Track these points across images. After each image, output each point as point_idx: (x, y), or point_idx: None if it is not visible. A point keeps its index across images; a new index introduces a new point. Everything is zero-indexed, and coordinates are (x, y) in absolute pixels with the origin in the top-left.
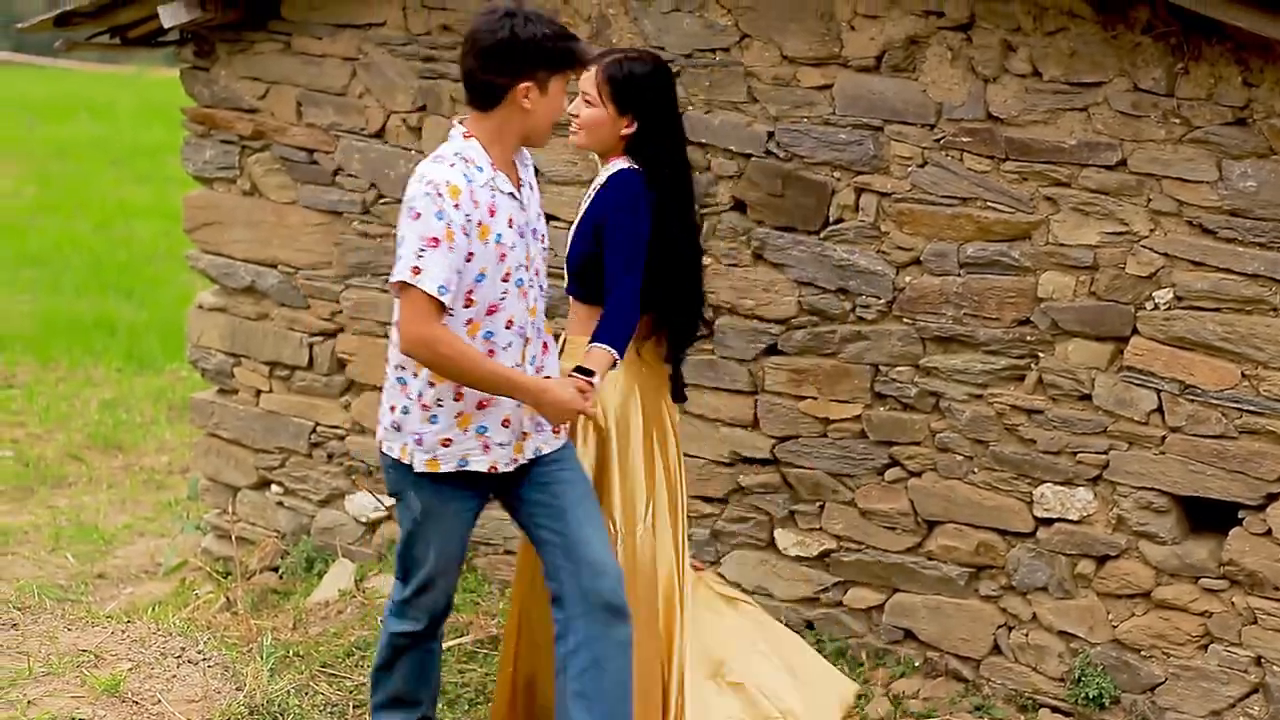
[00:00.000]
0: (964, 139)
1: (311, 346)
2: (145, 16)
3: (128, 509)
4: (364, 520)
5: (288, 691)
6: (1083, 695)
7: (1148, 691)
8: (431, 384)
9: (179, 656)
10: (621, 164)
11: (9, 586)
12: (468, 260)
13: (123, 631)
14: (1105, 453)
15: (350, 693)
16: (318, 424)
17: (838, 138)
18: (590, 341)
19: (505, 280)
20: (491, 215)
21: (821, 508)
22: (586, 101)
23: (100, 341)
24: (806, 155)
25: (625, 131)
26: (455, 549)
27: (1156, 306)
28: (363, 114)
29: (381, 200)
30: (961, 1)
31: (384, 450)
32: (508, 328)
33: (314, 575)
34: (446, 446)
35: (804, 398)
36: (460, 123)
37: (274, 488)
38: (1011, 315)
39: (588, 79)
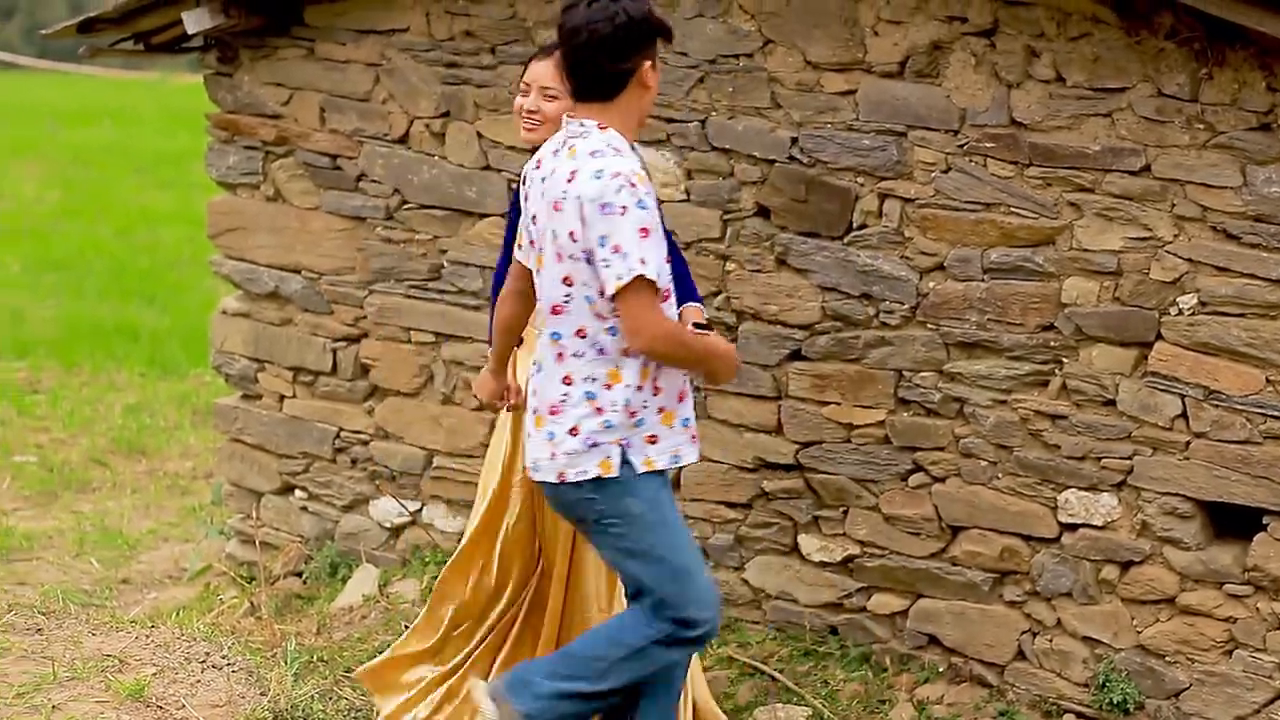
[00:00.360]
0: (988, 144)
1: (335, 352)
2: (169, 23)
3: (152, 514)
4: (388, 525)
5: (311, 697)
6: (1107, 701)
7: (1172, 697)
8: (636, 387)
9: (203, 661)
10: None
11: (34, 592)
12: None
13: (147, 636)
14: (1129, 458)
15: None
16: (341, 429)
17: (861, 143)
18: (683, 303)
19: None
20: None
21: (845, 513)
22: (548, 95)
23: (123, 347)
24: (830, 161)
25: None
26: (688, 533)
27: (1181, 312)
28: (386, 119)
29: (405, 206)
30: (985, 7)
31: (571, 479)
32: None
33: (338, 580)
34: (654, 444)
35: (828, 403)
36: (573, 118)
37: (298, 493)
38: (1035, 321)
39: (543, 72)
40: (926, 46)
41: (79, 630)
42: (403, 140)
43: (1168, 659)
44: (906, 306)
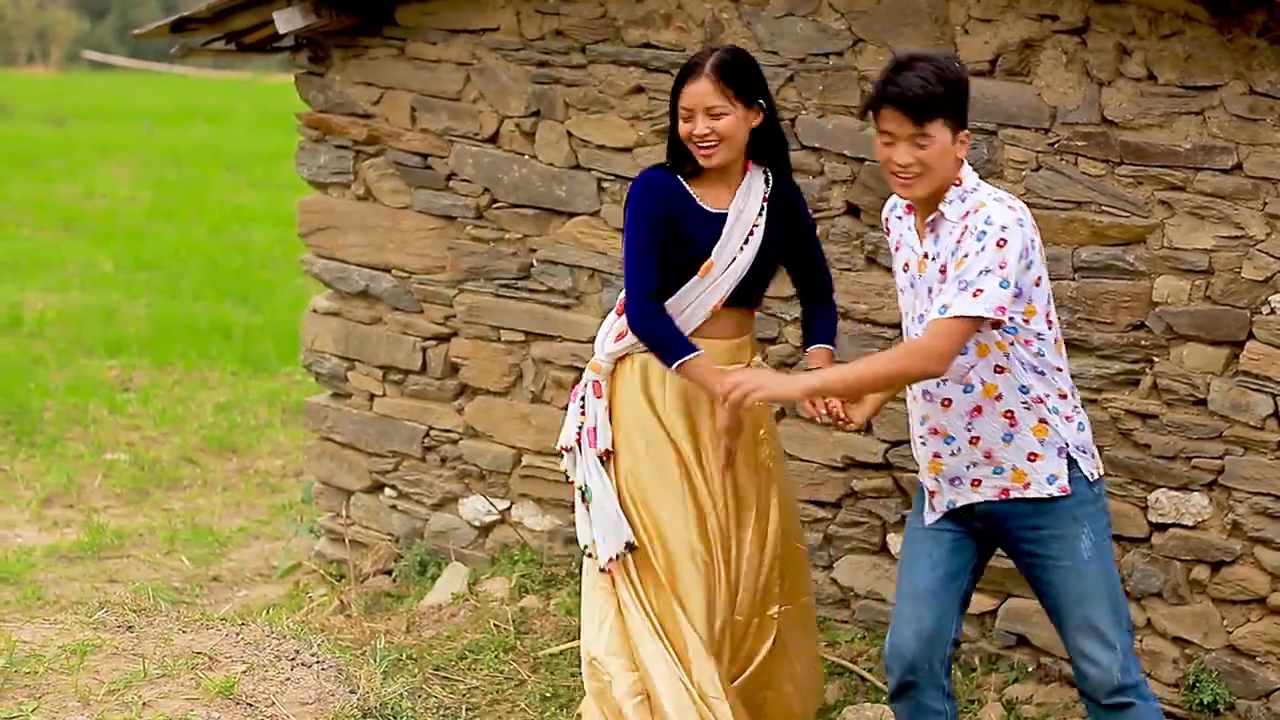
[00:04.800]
0: (1078, 143)
1: (425, 351)
2: (260, 22)
3: (242, 512)
4: (477, 524)
5: (400, 695)
6: (1197, 701)
7: (1263, 698)
8: (1062, 395)
9: (293, 659)
10: (756, 170)
11: (125, 589)
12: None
13: (237, 634)
14: (1220, 458)
15: (463, 696)
16: (431, 428)
17: None
18: (820, 344)
19: None
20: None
21: None
22: (714, 114)
23: (215, 345)
24: None
25: (754, 124)
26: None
27: (1273, 311)
28: (476, 119)
29: (495, 205)
30: (1076, 5)
31: (1049, 493)
32: None
33: (427, 579)
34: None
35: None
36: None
37: (387, 491)
38: (1126, 320)
39: (704, 93)
40: (1017, 45)
41: (169, 628)
42: (493, 139)
43: (1258, 659)
44: None
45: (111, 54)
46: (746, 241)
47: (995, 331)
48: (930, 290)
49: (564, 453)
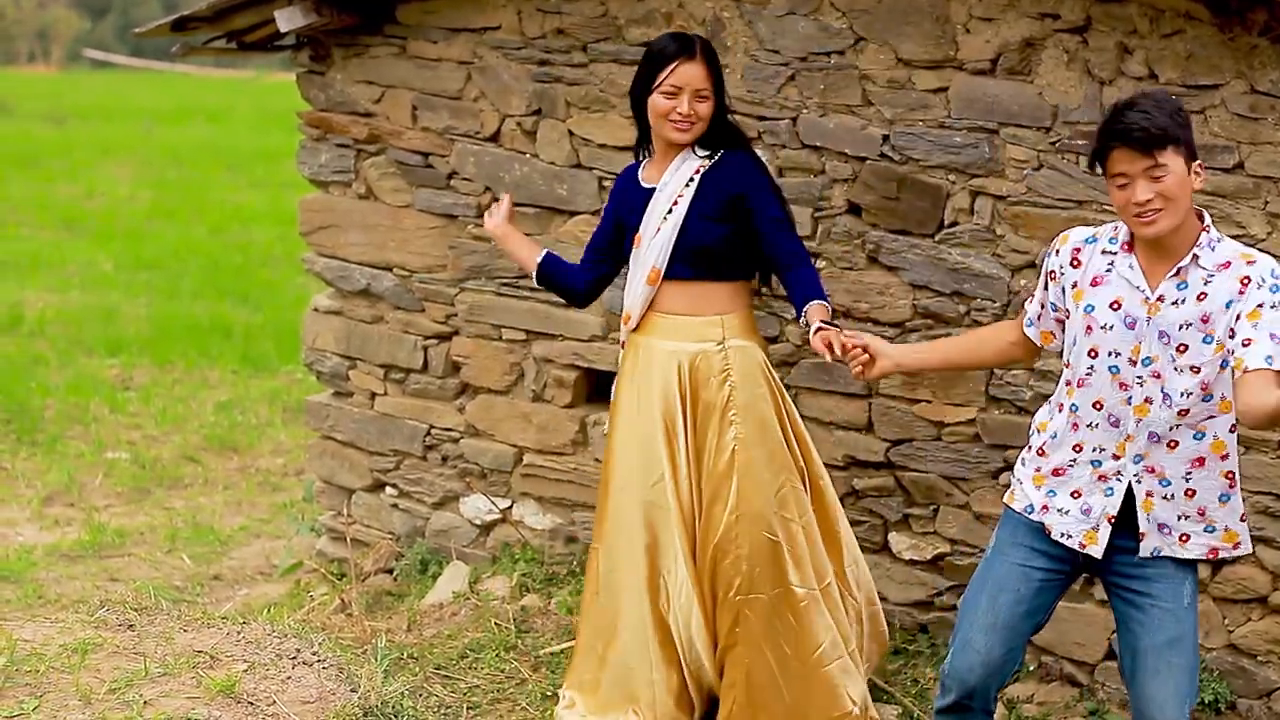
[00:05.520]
0: (1080, 142)
1: (426, 349)
2: (261, 21)
3: (243, 511)
4: (478, 523)
5: (402, 693)
6: (1198, 700)
7: (1264, 697)
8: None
9: (294, 658)
10: (693, 150)
11: (126, 588)
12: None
13: (238, 633)
14: None
15: (464, 695)
16: (432, 427)
17: (953, 141)
18: (812, 300)
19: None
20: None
21: (936, 511)
22: (700, 97)
23: (216, 344)
24: (921, 158)
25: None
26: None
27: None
28: (477, 118)
29: (496, 204)
30: (1077, 4)
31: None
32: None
33: (428, 577)
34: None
35: (918, 401)
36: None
37: (388, 490)
38: None
39: (695, 75)
40: (1018, 44)
41: (171, 626)
42: (494, 138)
43: (1259, 658)
44: (998, 304)
45: (112, 53)
46: (670, 211)
47: None
48: (1162, 335)
49: None
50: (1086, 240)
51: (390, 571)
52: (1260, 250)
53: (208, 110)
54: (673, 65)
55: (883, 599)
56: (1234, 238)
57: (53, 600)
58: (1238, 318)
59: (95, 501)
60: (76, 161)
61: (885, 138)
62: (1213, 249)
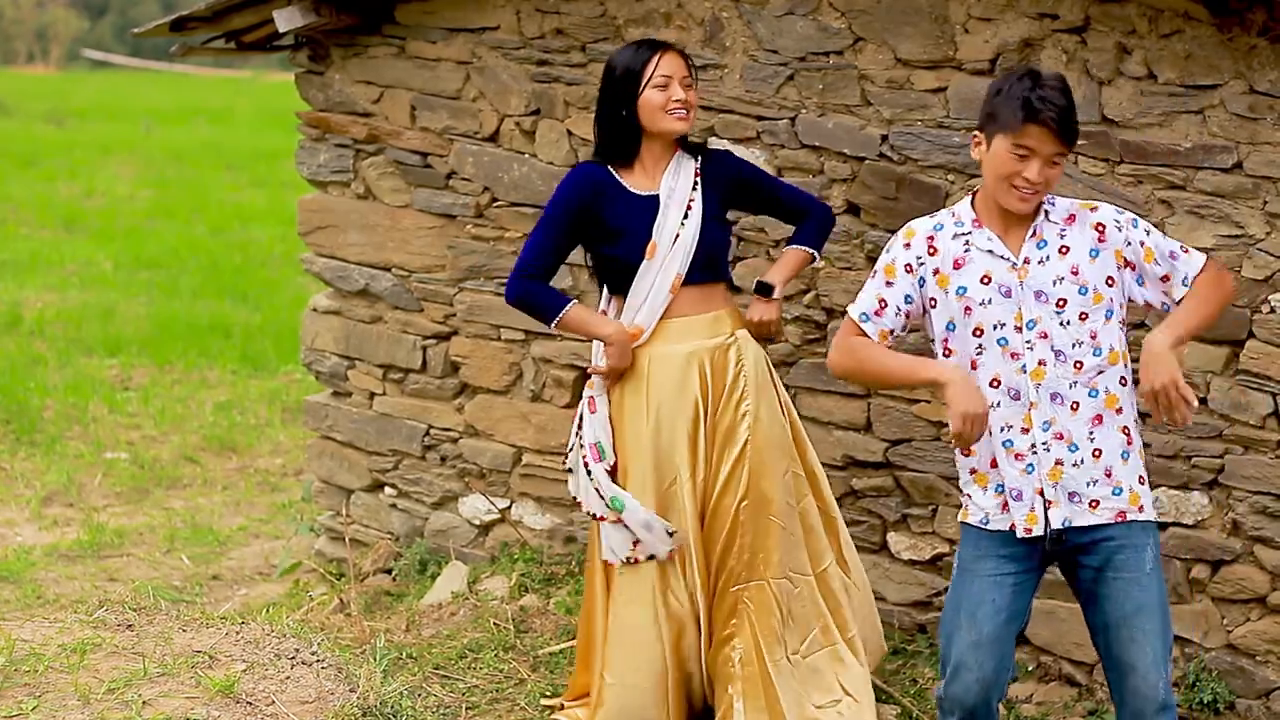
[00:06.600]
0: (1079, 142)
1: (425, 349)
2: (260, 21)
3: (242, 511)
4: (477, 523)
5: (401, 693)
6: (1197, 700)
7: (1263, 697)
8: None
9: (293, 658)
10: (683, 154)
11: (125, 588)
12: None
13: (237, 633)
14: (1220, 457)
15: (463, 695)
16: (431, 427)
17: (952, 140)
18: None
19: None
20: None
21: (934, 511)
22: (687, 85)
23: (215, 344)
24: (920, 158)
25: None
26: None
27: (1273, 310)
28: (476, 118)
29: (495, 204)
30: (1076, 4)
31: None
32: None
33: (427, 578)
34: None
35: (917, 401)
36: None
37: (387, 490)
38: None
39: (680, 65)
40: (1017, 44)
41: (169, 626)
42: (493, 138)
43: (1258, 658)
44: None
45: (111, 53)
46: (686, 216)
47: (1124, 343)
48: (1039, 294)
49: (568, 474)
50: (935, 228)
51: (389, 571)
52: (1259, 251)
53: (207, 110)
54: (657, 57)
55: (881, 599)
56: (1232, 238)
57: (51, 600)
58: (1131, 266)
59: (94, 501)
60: (76, 161)
61: (884, 138)
62: (1054, 204)
